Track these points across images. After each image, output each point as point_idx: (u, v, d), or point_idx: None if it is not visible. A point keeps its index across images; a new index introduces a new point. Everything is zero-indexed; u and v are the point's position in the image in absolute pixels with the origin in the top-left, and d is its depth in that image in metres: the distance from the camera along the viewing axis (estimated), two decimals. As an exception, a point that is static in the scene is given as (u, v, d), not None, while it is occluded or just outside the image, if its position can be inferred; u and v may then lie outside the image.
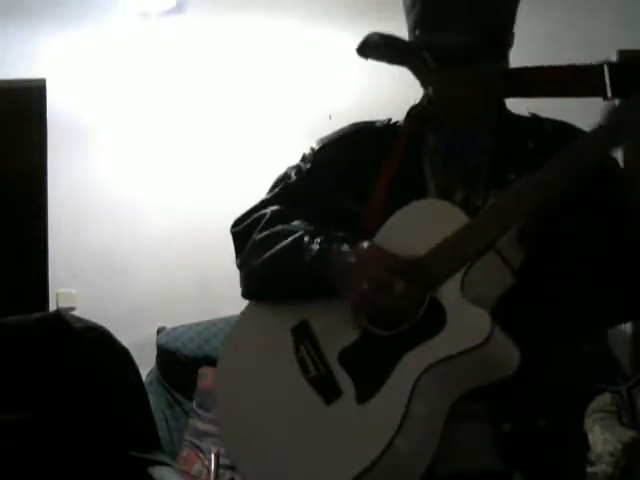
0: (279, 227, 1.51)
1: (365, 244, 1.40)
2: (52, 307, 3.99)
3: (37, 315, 2.77)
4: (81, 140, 4.09)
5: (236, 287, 1.59)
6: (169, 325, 3.81)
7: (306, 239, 1.45)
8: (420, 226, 1.40)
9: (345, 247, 1.41)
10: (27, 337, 2.63)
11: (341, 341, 1.38)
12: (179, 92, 4.11)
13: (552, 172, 1.33)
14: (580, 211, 1.37)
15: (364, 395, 1.32)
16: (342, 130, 1.63)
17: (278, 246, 1.47)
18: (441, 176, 1.49)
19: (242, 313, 1.56)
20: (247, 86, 4.11)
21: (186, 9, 4.13)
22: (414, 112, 1.56)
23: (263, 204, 1.60)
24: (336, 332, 1.39)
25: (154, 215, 4.07)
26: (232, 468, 3.05)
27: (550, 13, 4.04)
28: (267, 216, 1.55)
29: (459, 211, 1.38)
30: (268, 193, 1.62)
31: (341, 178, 1.54)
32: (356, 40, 1.56)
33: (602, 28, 3.96)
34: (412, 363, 1.29)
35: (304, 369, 1.39)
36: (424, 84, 1.55)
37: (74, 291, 4.02)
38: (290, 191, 1.59)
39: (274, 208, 1.56)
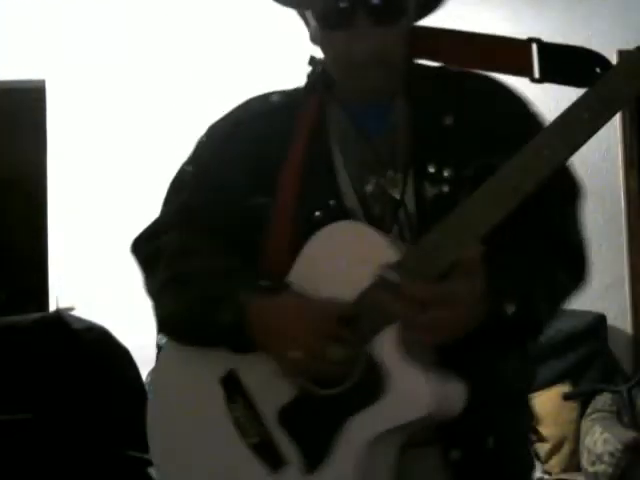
0: (185, 268, 1.33)
1: (286, 297, 1.23)
2: (52, 307, 3.99)
3: (37, 315, 2.78)
4: (80, 140, 4.09)
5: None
6: (169, 325, 3.80)
7: (217, 293, 1.27)
8: (340, 258, 1.22)
9: (263, 301, 1.23)
10: (27, 337, 2.63)
11: (277, 399, 1.24)
12: (180, 93, 4.11)
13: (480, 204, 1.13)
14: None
15: (312, 463, 1.21)
16: (235, 115, 1.43)
17: (187, 300, 1.30)
18: (352, 161, 1.31)
19: (164, 350, 1.40)
20: (247, 84, 4.10)
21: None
22: (311, 82, 1.39)
23: (160, 225, 1.44)
24: (270, 388, 1.25)
25: (154, 215, 4.05)
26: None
27: (550, 13, 4.05)
28: (168, 251, 1.38)
29: (380, 237, 1.21)
30: (164, 205, 1.47)
31: (246, 173, 1.34)
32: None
33: (602, 28, 3.96)
34: (358, 430, 1.19)
35: (243, 432, 1.25)
36: (313, 42, 1.36)
37: (74, 291, 4.02)
38: (189, 203, 1.40)
39: (174, 237, 1.39)
